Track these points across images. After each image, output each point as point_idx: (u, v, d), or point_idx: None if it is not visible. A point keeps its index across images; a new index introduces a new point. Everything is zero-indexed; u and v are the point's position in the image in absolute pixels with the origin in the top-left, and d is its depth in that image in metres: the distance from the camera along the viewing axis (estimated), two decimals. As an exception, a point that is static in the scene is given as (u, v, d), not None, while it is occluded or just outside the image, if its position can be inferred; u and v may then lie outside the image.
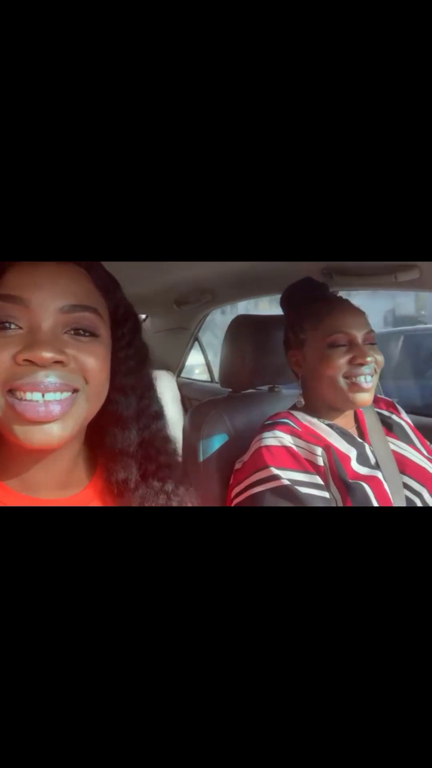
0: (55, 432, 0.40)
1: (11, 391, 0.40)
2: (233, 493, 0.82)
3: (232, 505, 0.82)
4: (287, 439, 0.78)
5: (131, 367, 0.49)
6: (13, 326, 0.41)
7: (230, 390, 1.07)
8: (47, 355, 0.39)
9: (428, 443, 0.91)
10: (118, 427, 0.47)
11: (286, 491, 0.73)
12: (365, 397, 0.78)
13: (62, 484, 0.47)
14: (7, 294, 0.41)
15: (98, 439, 0.48)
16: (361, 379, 0.77)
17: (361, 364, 0.77)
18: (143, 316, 1.95)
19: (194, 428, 1.00)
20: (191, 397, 1.81)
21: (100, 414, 0.45)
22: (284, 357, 0.92)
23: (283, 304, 0.94)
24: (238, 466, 0.84)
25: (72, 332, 0.42)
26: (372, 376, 0.78)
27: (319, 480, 0.75)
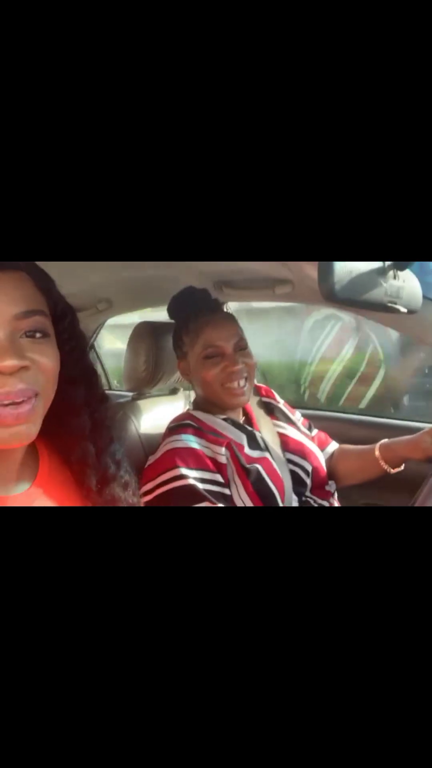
0: (26, 431, 0.45)
1: None
2: (141, 491, 0.89)
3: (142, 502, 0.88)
4: (192, 441, 0.88)
5: (76, 358, 0.53)
6: None
7: (134, 393, 1.14)
8: (13, 363, 0.43)
9: (300, 417, 1.09)
10: (72, 415, 0.53)
11: (192, 489, 0.83)
12: (242, 400, 0.93)
13: (14, 478, 0.51)
14: None
15: (49, 428, 0.51)
16: (235, 384, 0.91)
17: (233, 372, 0.90)
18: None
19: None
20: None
21: (52, 405, 0.50)
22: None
23: (170, 313, 1.05)
24: (148, 463, 0.91)
25: (26, 336, 0.46)
26: (245, 379, 0.92)
27: (220, 478, 0.86)
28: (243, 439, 0.92)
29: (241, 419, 0.98)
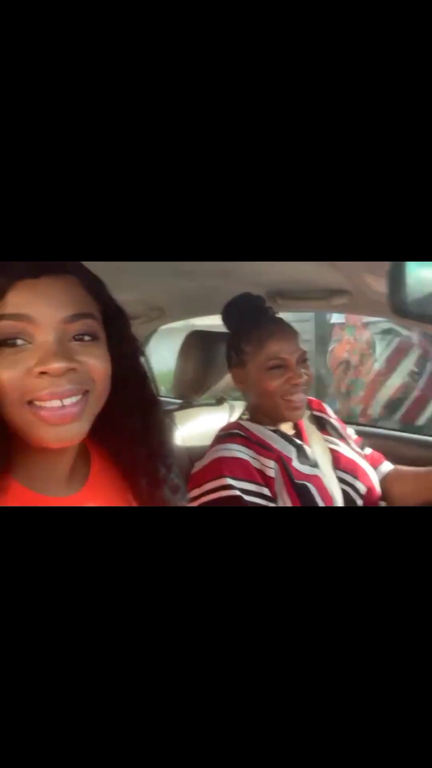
0: (75, 430, 0.46)
1: (31, 402, 0.44)
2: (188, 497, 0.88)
3: None
4: (241, 451, 0.86)
5: (127, 361, 0.53)
6: (21, 342, 0.45)
7: (182, 401, 1.14)
8: (61, 365, 0.44)
9: (352, 434, 1.04)
10: (123, 417, 0.53)
11: (237, 501, 0.80)
12: (299, 414, 0.90)
13: (68, 479, 0.51)
14: (13, 313, 0.44)
15: (100, 430, 0.52)
16: (295, 397, 0.88)
17: (296, 384, 0.88)
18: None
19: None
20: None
21: (103, 407, 0.50)
22: (229, 368, 1.01)
23: (225, 320, 1.03)
24: (194, 470, 0.90)
25: (76, 339, 0.47)
26: (304, 393, 0.90)
27: (267, 492, 0.83)
28: (292, 453, 0.88)
29: (291, 432, 0.95)
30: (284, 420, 0.91)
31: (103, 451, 0.56)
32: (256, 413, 0.94)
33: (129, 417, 0.54)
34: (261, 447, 0.88)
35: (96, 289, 0.51)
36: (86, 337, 0.47)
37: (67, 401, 0.45)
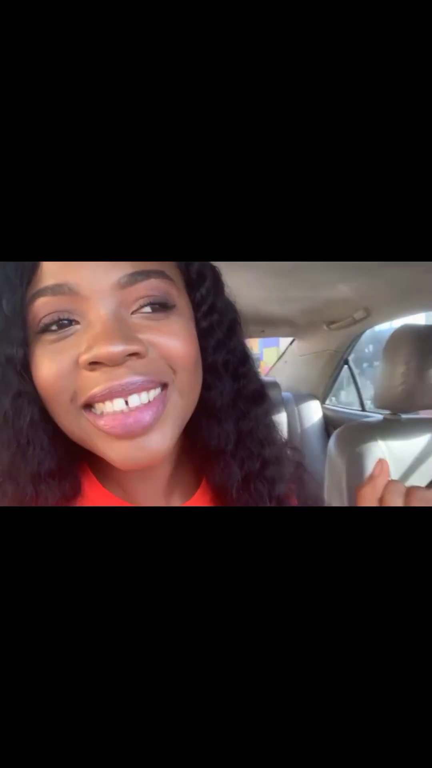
0: (153, 445, 0.32)
1: (88, 406, 0.32)
2: None
3: None
4: None
5: (219, 339, 0.38)
6: (66, 323, 0.32)
7: (388, 412, 0.94)
8: (117, 349, 0.30)
9: None
10: (213, 418, 0.37)
11: None
12: None
13: (166, 491, 0.39)
14: (49, 286, 0.32)
15: (192, 434, 0.38)
16: None
17: None
18: (290, 339, 1.91)
19: (341, 452, 0.90)
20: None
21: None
22: None
23: None
24: None
25: (141, 310, 0.32)
26: None
27: None
28: None
29: None
30: None
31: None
32: None
33: (218, 420, 0.38)
34: None
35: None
36: (157, 305, 0.33)
37: (134, 401, 0.31)
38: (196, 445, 0.38)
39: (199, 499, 0.40)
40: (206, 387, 0.37)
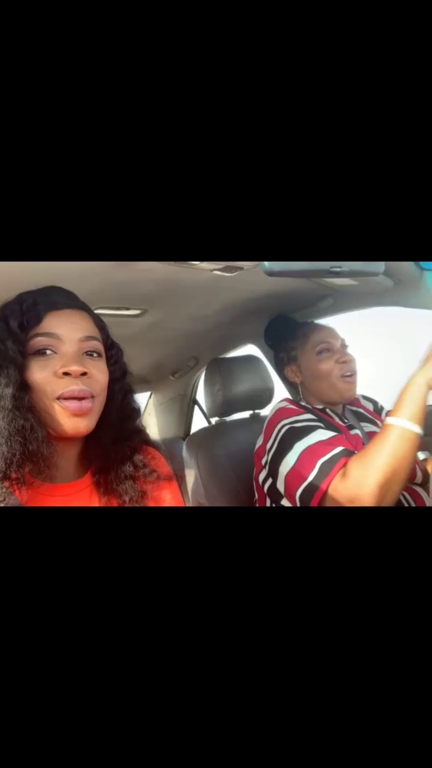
0: (86, 423, 0.61)
1: (59, 399, 0.59)
2: (266, 447, 1.02)
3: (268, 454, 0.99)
4: (295, 404, 1.04)
5: (117, 377, 0.69)
6: (50, 352, 0.61)
7: (217, 418, 1.34)
8: (78, 368, 0.59)
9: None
10: (108, 420, 0.65)
11: (311, 427, 0.94)
12: (354, 389, 1.06)
13: (72, 470, 0.65)
14: (47, 332, 0.61)
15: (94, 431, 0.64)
16: (349, 373, 1.05)
17: (346, 362, 1.05)
18: (148, 394, 2.26)
19: (191, 452, 1.26)
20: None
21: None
22: (279, 374, 1.22)
23: (268, 337, 1.26)
24: (258, 444, 1.05)
25: (87, 354, 0.63)
26: (354, 373, 1.06)
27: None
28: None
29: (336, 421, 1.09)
30: (341, 398, 1.05)
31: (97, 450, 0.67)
32: (310, 401, 1.10)
33: (108, 425, 0.65)
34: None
35: (100, 323, 0.69)
36: (95, 354, 0.63)
37: (85, 403, 0.59)
38: (96, 438, 0.65)
39: (90, 476, 0.67)
40: (106, 403, 0.66)
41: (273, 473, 0.96)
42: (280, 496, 0.96)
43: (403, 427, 0.80)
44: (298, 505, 0.89)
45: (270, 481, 0.98)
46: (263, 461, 1.01)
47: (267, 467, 0.98)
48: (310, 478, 0.86)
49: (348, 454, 0.87)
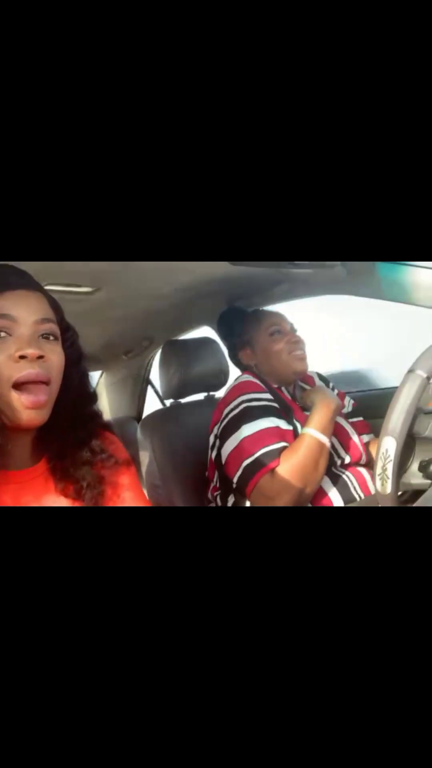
0: (41, 415, 0.59)
1: (16, 386, 0.56)
2: (215, 426, 1.09)
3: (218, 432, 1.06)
4: (257, 377, 1.10)
5: (73, 360, 0.67)
6: (4, 335, 0.58)
7: (172, 400, 1.34)
8: (35, 351, 0.57)
9: (350, 400, 1.25)
10: (64, 405, 0.63)
11: (266, 408, 1.01)
12: (305, 365, 1.13)
13: (26, 457, 0.64)
14: (1, 313, 0.58)
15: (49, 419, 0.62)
16: (299, 351, 1.13)
17: (297, 341, 1.14)
18: (99, 373, 2.20)
19: (145, 434, 1.25)
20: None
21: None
22: (233, 359, 1.25)
23: (222, 326, 1.30)
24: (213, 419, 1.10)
25: (43, 337, 0.60)
26: (303, 350, 1.14)
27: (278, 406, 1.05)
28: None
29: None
30: (294, 373, 1.13)
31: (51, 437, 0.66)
32: (265, 382, 1.14)
33: (65, 408, 0.63)
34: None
35: (54, 305, 0.66)
36: (51, 337, 0.61)
37: (41, 396, 0.57)
38: (51, 422, 0.63)
39: (45, 462, 0.66)
40: (61, 385, 0.63)
41: (220, 445, 1.03)
42: (222, 468, 1.03)
43: (317, 437, 0.95)
44: (234, 487, 0.98)
45: (215, 452, 1.06)
46: (215, 430, 1.08)
47: (218, 439, 1.05)
48: (246, 462, 0.95)
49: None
